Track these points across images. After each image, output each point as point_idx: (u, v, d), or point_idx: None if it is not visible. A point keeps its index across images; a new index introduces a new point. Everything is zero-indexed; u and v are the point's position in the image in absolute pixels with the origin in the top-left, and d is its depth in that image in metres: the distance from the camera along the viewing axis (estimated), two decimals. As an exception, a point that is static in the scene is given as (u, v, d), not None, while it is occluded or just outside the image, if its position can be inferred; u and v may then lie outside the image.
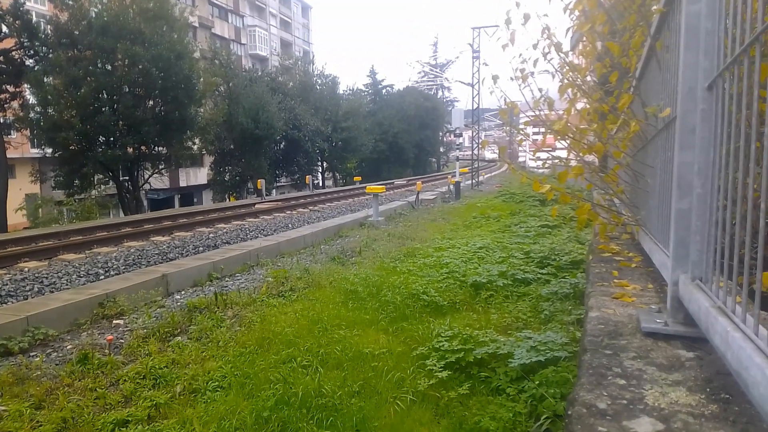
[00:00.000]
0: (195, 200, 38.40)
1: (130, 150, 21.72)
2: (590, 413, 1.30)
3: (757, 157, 1.19)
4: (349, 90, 48.06)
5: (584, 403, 1.36)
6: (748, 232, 1.20)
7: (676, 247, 1.81)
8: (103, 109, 20.72)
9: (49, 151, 21.55)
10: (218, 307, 6.14)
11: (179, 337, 5.29)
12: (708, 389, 1.41)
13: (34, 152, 26.05)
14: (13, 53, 20.48)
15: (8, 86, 20.76)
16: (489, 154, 64.20)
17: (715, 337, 1.39)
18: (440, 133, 61.84)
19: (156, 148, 23.18)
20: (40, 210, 22.95)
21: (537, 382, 3.44)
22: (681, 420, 1.24)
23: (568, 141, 3.80)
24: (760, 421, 1.19)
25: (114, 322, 5.97)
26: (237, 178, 31.43)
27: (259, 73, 35.86)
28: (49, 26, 20.76)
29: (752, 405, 1.12)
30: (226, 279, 8.03)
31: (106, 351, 4.89)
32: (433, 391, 3.85)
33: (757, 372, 1.03)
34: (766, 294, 1.06)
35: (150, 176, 24.41)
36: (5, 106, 20.87)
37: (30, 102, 21.69)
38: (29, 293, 7.43)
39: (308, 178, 31.03)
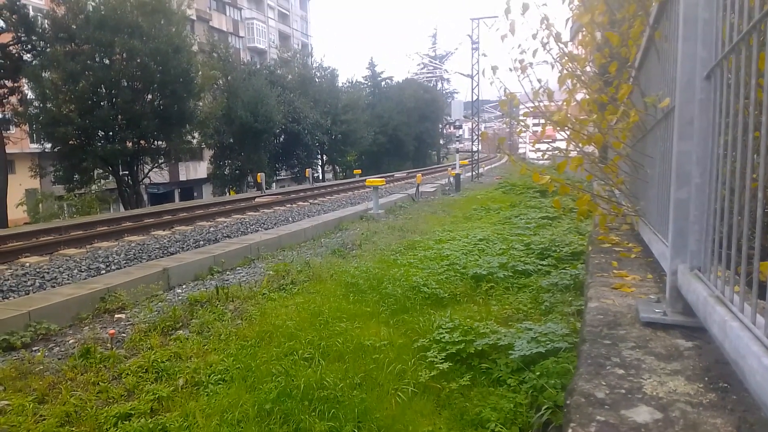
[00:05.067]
0: (195, 194, 38.35)
1: (130, 144, 21.67)
2: (589, 402, 1.31)
3: (756, 147, 1.19)
4: (349, 82, 47.87)
5: (583, 393, 1.37)
6: (746, 221, 1.21)
7: (674, 237, 1.81)
8: (102, 103, 20.66)
9: (49, 146, 21.48)
10: (219, 301, 6.16)
11: (181, 331, 5.31)
12: (706, 378, 1.42)
13: (34, 147, 25.96)
14: (11, 48, 20.39)
15: (6, 81, 20.69)
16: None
17: (713, 326, 1.39)
18: (440, 125, 61.64)
19: (155, 142, 23.13)
20: (40, 205, 22.94)
21: (537, 373, 3.45)
22: (679, 409, 1.25)
23: (567, 132, 3.79)
24: (757, 410, 1.19)
25: (116, 316, 5.99)
26: (237, 171, 31.38)
27: (258, 66, 35.69)
28: (46, 20, 20.67)
29: (750, 393, 1.13)
30: (227, 273, 8.04)
31: (109, 345, 4.91)
32: (435, 382, 3.87)
33: (754, 360, 1.04)
34: (764, 283, 1.06)
35: (150, 170, 24.38)
36: (4, 101, 20.81)
37: (28, 97, 21.61)
38: (30, 288, 7.44)
39: (308, 172, 31.06)
